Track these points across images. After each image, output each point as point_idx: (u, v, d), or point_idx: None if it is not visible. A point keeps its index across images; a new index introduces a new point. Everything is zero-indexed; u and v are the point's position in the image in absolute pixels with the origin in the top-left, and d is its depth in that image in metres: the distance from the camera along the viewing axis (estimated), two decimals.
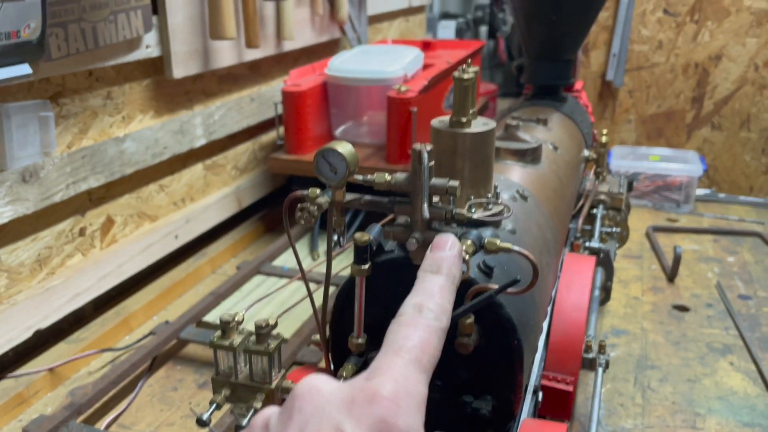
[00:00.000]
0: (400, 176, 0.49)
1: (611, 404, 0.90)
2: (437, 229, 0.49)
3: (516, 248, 0.47)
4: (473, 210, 0.55)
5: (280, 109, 1.37)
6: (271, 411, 0.32)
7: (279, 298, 1.15)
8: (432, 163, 0.47)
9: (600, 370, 0.80)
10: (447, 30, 2.62)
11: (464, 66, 0.55)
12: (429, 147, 0.47)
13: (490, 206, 0.56)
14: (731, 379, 0.96)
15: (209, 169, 1.33)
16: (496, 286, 0.48)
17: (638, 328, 1.08)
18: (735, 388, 0.93)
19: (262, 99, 1.44)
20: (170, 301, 1.19)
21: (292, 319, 1.07)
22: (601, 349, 0.81)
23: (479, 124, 0.57)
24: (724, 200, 1.63)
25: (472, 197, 0.57)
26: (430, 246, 0.40)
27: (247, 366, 0.51)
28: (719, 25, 1.56)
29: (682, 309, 1.15)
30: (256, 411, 0.52)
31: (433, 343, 0.34)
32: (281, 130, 1.38)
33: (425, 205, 0.47)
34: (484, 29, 3.34)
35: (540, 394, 0.67)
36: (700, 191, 1.65)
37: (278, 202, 1.57)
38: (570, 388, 0.68)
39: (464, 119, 0.56)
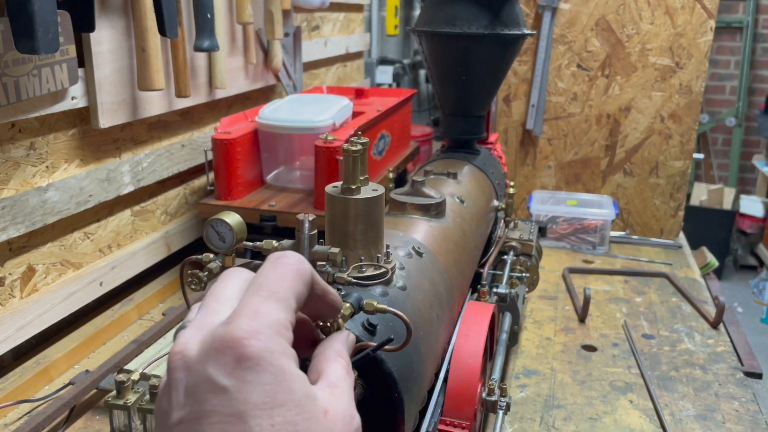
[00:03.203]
0: (287, 243, 0.53)
1: None
2: None
3: (391, 309, 0.52)
4: (363, 270, 0.60)
5: (210, 156, 1.40)
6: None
7: None
8: (314, 232, 0.52)
9: (501, 412, 0.85)
10: (385, 75, 2.71)
11: (354, 138, 0.61)
12: (311, 217, 0.52)
13: (381, 266, 0.61)
14: (630, 416, 1.02)
15: (137, 215, 1.35)
16: (375, 344, 0.52)
17: (548, 368, 1.15)
18: (633, 425, 1.00)
19: (193, 145, 1.47)
20: (94, 349, 1.19)
21: None
22: (503, 391, 0.87)
23: (369, 191, 0.62)
24: (637, 242, 1.73)
25: (363, 258, 0.61)
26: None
27: (143, 424, 0.53)
28: (628, 79, 1.68)
29: (590, 349, 1.22)
30: None
31: (289, 276, 0.35)
32: (211, 176, 1.40)
33: None
34: (423, 72, 3.46)
35: None
36: (615, 233, 1.76)
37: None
38: None
39: (354, 186, 0.61)
